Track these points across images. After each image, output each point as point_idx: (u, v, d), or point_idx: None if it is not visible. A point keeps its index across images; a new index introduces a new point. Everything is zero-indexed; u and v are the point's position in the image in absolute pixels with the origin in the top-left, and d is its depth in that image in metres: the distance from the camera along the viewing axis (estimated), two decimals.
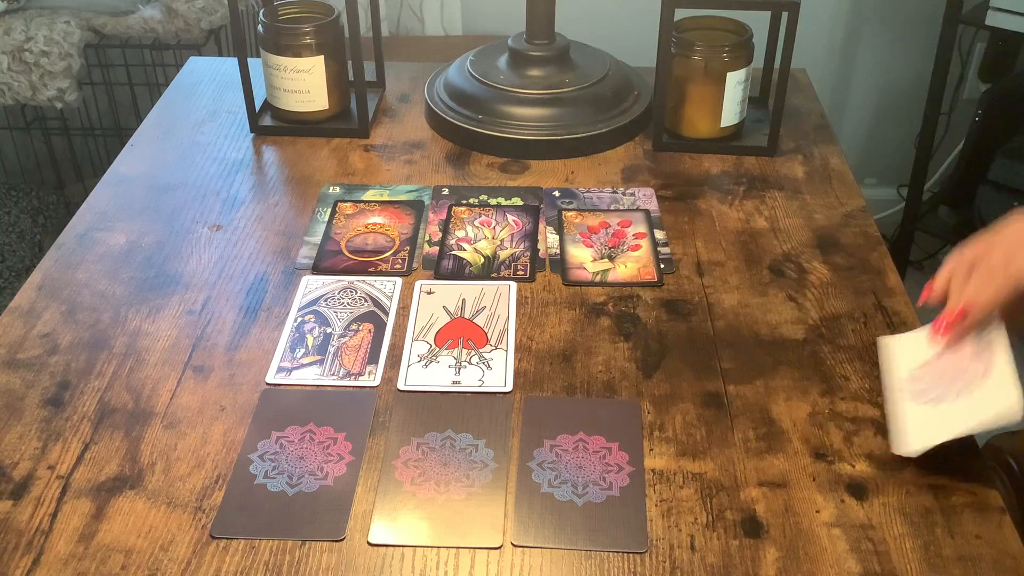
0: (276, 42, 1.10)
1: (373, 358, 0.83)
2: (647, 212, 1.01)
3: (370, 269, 0.93)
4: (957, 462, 0.73)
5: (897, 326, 0.85)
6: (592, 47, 1.21)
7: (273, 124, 1.16)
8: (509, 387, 0.80)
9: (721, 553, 0.66)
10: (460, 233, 0.98)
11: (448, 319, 0.87)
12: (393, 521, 0.69)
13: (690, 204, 1.03)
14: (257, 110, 1.16)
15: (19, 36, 1.88)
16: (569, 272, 0.93)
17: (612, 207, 1.02)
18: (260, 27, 1.11)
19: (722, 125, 1.10)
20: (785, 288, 0.89)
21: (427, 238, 0.97)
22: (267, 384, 0.80)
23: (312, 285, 0.91)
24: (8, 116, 2.15)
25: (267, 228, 0.99)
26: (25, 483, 0.72)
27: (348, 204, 1.02)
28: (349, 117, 1.17)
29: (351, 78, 1.13)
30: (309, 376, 0.81)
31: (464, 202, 1.03)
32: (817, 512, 0.69)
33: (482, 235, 0.98)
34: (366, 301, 0.89)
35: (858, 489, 0.71)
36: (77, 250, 0.96)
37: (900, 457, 0.73)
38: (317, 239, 0.97)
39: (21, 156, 2.25)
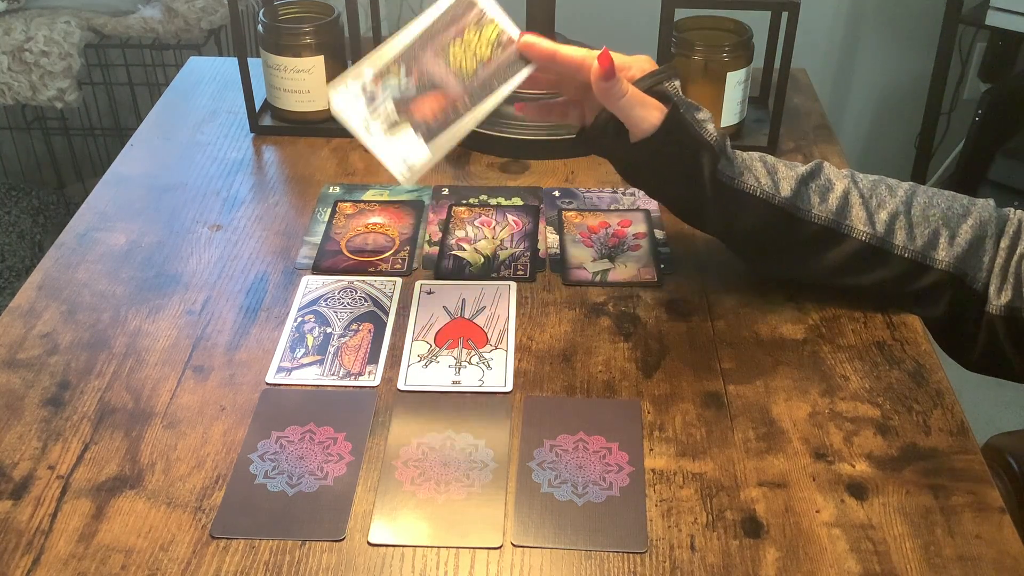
0: (276, 42, 1.10)
1: (373, 358, 0.83)
2: (647, 212, 1.01)
3: (370, 269, 0.93)
4: (957, 462, 0.73)
5: (897, 326, 0.85)
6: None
7: (273, 124, 1.16)
8: (509, 387, 0.80)
9: (721, 553, 0.66)
10: (460, 233, 0.98)
11: (448, 319, 0.87)
12: (393, 521, 0.69)
13: None
14: (257, 110, 1.16)
15: (19, 36, 1.88)
16: (569, 272, 0.93)
17: (612, 207, 1.02)
18: (260, 27, 1.11)
19: (722, 125, 1.10)
20: (785, 288, 0.89)
21: (427, 238, 0.97)
22: (267, 384, 0.80)
23: (312, 285, 0.91)
24: (8, 116, 2.15)
25: (267, 228, 0.99)
26: (25, 483, 0.72)
27: (348, 204, 1.02)
28: None
29: None
30: (309, 376, 0.81)
31: (464, 202, 1.03)
32: (817, 512, 0.69)
33: (482, 235, 0.98)
34: (366, 301, 0.89)
35: (858, 489, 0.71)
36: (77, 250, 0.96)
37: (900, 457, 0.73)
38: (317, 239, 0.97)
39: (21, 156, 2.25)
